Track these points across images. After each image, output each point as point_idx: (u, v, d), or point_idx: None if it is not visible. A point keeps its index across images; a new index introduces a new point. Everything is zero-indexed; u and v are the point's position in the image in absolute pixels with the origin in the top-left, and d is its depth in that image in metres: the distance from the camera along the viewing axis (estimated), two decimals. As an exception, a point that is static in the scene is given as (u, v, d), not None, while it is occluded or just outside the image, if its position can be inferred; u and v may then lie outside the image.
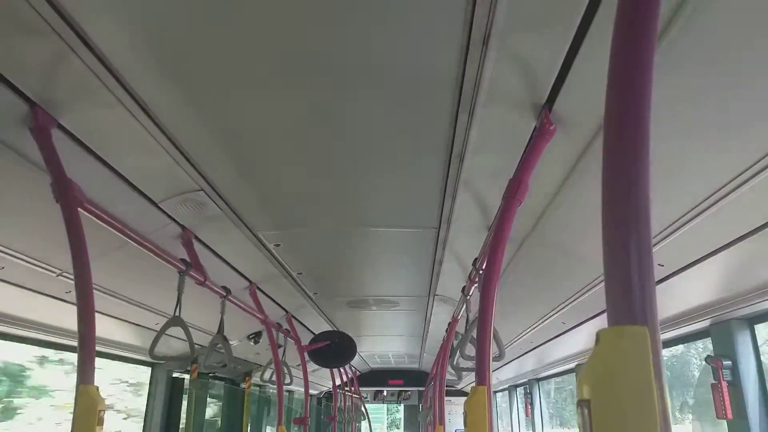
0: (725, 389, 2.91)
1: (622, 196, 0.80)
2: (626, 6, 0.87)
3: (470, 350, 3.02)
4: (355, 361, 10.43)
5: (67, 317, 2.36)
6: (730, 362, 2.95)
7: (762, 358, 2.97)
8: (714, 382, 2.97)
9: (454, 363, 3.45)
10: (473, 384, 2.03)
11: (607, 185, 0.82)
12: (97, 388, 1.80)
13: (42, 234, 2.49)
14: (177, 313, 2.91)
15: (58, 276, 2.84)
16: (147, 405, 5.24)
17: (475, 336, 2.25)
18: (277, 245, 3.64)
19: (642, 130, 0.81)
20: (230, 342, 5.53)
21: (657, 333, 0.74)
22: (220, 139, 2.27)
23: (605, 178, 0.83)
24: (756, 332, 2.99)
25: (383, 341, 9.08)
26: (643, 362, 0.72)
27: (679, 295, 2.97)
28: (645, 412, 0.70)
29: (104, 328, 3.85)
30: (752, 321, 2.97)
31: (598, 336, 0.77)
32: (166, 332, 2.98)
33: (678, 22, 1.36)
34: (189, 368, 5.51)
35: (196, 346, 2.99)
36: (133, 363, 4.99)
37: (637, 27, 0.85)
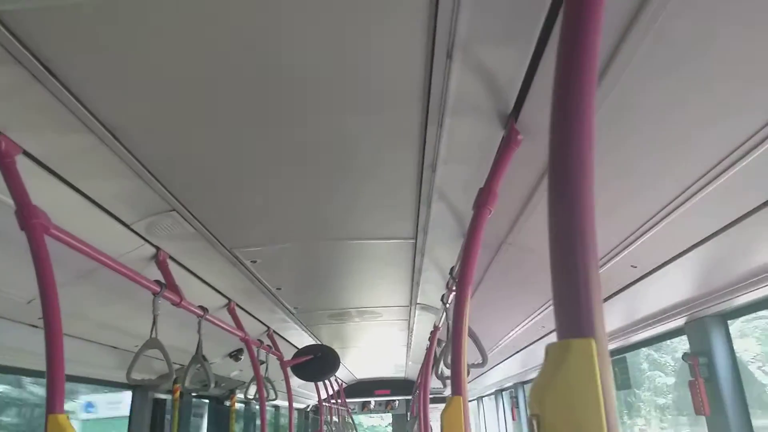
0: (702, 386, 2.95)
1: (565, 211, 0.82)
2: (569, 33, 0.90)
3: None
4: (341, 372, 10.38)
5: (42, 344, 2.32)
6: (706, 359, 3.00)
7: (736, 353, 3.02)
8: (691, 379, 3.01)
9: (438, 372, 3.45)
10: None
11: (551, 202, 0.84)
12: (67, 416, 1.77)
13: (10, 261, 2.44)
14: (153, 335, 2.87)
15: (29, 303, 2.79)
16: (129, 428, 5.15)
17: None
18: (254, 261, 3.61)
19: (585, 145, 0.83)
20: (211, 361, 5.49)
21: (604, 344, 0.76)
22: (190, 158, 2.26)
23: (549, 194, 0.85)
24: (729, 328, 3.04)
25: (368, 352, 9.06)
26: (590, 374, 0.73)
27: (654, 294, 3.02)
28: (593, 424, 0.71)
29: (81, 352, 3.78)
30: (725, 317, 3.03)
31: (547, 350, 0.78)
32: (146, 354, 2.94)
33: (639, 25, 1.39)
34: (171, 389, 5.43)
35: (176, 366, 2.95)
36: (113, 386, 4.91)
37: (580, 50, 0.87)
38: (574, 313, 0.77)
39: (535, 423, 0.74)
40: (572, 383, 0.73)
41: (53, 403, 1.76)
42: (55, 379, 1.80)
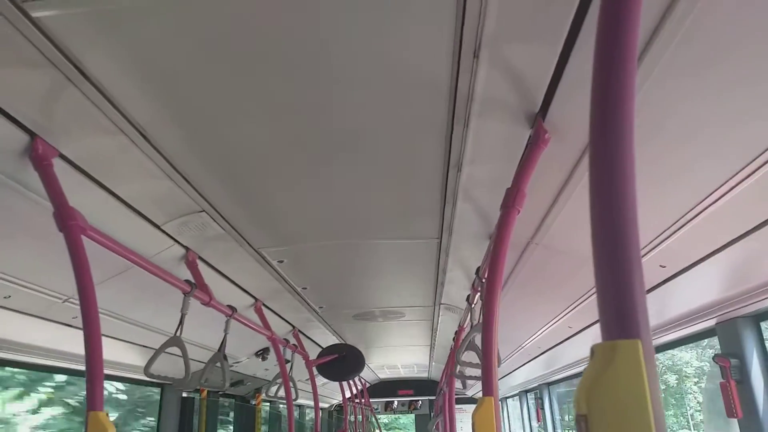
0: (734, 388, 2.90)
1: (609, 212, 0.82)
2: (607, 19, 0.89)
3: (468, 357, 3.03)
4: (365, 372, 10.40)
5: (76, 343, 2.39)
6: (737, 361, 2.94)
7: (770, 355, 2.96)
8: (722, 381, 2.96)
9: (457, 371, 3.45)
10: (480, 392, 2.03)
11: (594, 204, 0.84)
12: (106, 414, 1.81)
13: (47, 261, 2.51)
14: (178, 334, 2.93)
15: (64, 302, 2.86)
16: (158, 426, 5.24)
17: (475, 342, 2.25)
18: (281, 261, 3.65)
19: (627, 148, 0.82)
20: (238, 360, 5.55)
21: (650, 345, 0.76)
22: (219, 160, 2.29)
23: (592, 196, 0.84)
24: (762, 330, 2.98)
25: (392, 352, 9.07)
26: (637, 375, 0.73)
27: (684, 295, 2.97)
28: (641, 424, 0.71)
29: (113, 351, 3.86)
30: (758, 318, 2.97)
31: (593, 351, 0.78)
32: (171, 352, 3.00)
33: (667, 27, 1.38)
34: (198, 387, 5.52)
35: (202, 364, 3.00)
36: (143, 385, 5.01)
37: (619, 37, 0.87)
38: (620, 313, 0.77)
39: (583, 424, 0.74)
40: (620, 384, 0.73)
41: (93, 400, 1.81)
42: (95, 377, 1.85)
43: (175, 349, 2.98)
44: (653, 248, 2.52)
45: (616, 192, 0.81)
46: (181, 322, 2.96)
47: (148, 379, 4.14)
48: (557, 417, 7.83)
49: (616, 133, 0.84)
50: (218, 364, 3.61)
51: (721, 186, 1.98)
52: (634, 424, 0.72)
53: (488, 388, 1.98)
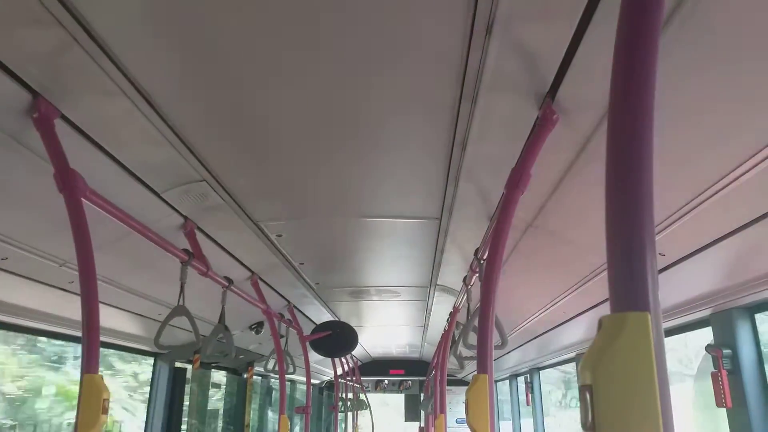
0: (725, 378, 2.92)
1: (625, 183, 0.81)
2: None
3: (473, 339, 3.04)
4: (357, 350, 10.47)
5: (72, 307, 2.38)
6: (730, 351, 2.96)
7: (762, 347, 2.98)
8: (714, 371, 2.98)
9: (457, 352, 3.47)
10: (474, 373, 2.04)
11: (610, 173, 0.83)
12: (101, 377, 1.82)
13: (45, 224, 2.50)
14: (181, 303, 2.93)
15: (61, 266, 2.85)
16: (150, 395, 5.26)
17: (476, 324, 2.26)
18: (279, 236, 3.65)
19: (646, 120, 0.81)
20: (232, 332, 5.58)
21: (659, 319, 0.75)
22: (223, 129, 2.27)
23: (609, 166, 0.84)
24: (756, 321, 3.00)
25: (385, 331, 9.13)
26: (644, 348, 0.73)
27: (680, 284, 2.98)
28: (646, 396, 0.71)
29: (107, 318, 3.86)
30: (753, 310, 2.98)
31: (601, 322, 0.78)
32: (169, 322, 3.00)
33: (681, 12, 1.36)
34: (191, 358, 5.54)
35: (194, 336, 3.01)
36: (137, 353, 5.02)
37: (642, 17, 0.85)
38: (631, 286, 0.77)
39: (588, 394, 0.74)
40: (627, 356, 0.73)
41: (89, 363, 1.82)
42: (91, 341, 1.86)
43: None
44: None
45: (633, 164, 0.81)
46: (182, 291, 2.96)
47: (138, 347, 4.15)
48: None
49: (636, 102, 0.83)
50: (220, 336, 3.63)
51: (723, 177, 1.97)
52: (640, 395, 0.72)
53: (483, 366, 1.99)
